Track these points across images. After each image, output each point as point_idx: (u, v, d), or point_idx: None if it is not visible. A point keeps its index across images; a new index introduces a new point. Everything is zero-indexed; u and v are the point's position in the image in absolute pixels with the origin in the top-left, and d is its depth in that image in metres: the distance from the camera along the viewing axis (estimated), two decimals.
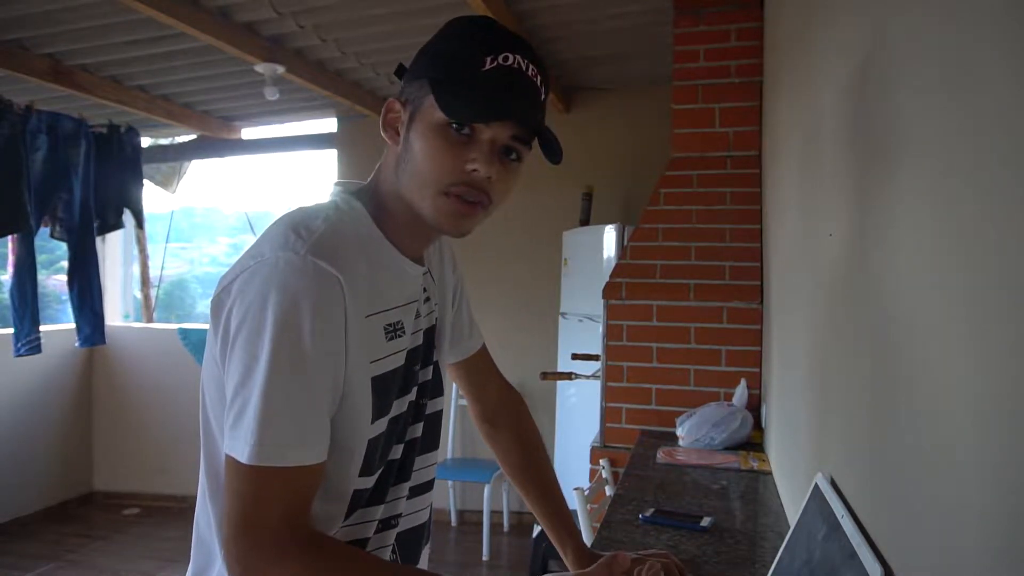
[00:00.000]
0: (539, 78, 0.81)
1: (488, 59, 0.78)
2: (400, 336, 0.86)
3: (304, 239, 0.76)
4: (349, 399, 0.79)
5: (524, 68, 0.79)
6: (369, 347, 0.81)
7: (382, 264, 0.84)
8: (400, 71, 0.88)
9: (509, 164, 0.82)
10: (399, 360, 0.86)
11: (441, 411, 1.01)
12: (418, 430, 0.94)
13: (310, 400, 0.74)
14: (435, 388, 0.98)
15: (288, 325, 0.72)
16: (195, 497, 0.89)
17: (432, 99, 0.79)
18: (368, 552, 0.85)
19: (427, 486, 0.99)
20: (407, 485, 0.93)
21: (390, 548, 0.91)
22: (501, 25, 0.83)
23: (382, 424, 0.85)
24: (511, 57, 0.79)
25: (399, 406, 0.88)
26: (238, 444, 0.72)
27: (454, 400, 4.03)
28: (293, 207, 0.84)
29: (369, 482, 0.85)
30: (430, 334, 0.95)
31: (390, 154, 0.87)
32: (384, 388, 0.84)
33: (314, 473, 0.75)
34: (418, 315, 0.91)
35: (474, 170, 0.79)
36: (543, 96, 0.83)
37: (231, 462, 0.73)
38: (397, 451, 0.90)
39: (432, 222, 0.83)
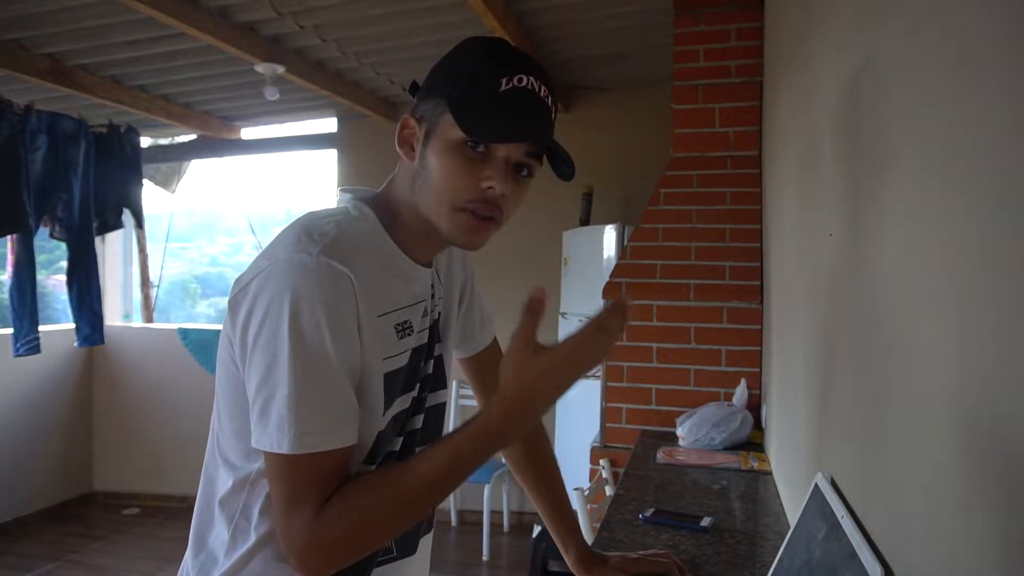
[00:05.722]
0: (550, 98, 0.85)
1: (504, 80, 0.82)
2: (409, 334, 0.89)
3: (316, 241, 0.79)
4: (362, 393, 0.83)
5: (537, 89, 0.83)
6: (382, 345, 0.85)
7: (391, 267, 0.88)
8: (414, 88, 0.91)
9: (521, 180, 0.86)
10: (406, 359, 0.89)
11: (443, 403, 1.03)
12: (418, 422, 0.96)
13: (333, 387, 0.78)
14: (436, 381, 0.99)
15: (304, 321, 0.76)
16: (195, 497, 0.93)
17: (449, 118, 0.82)
18: (385, 474, 0.84)
19: None
20: None
21: None
22: (514, 47, 0.88)
23: (388, 417, 0.88)
24: (525, 79, 0.83)
25: (402, 402, 0.91)
26: (272, 437, 0.76)
27: (454, 399, 4.02)
28: (304, 211, 0.87)
29: (369, 468, 0.88)
30: (433, 330, 0.97)
31: (404, 168, 0.90)
32: (392, 385, 0.87)
33: (346, 454, 0.80)
34: (425, 313, 0.94)
35: (490, 187, 0.83)
36: (553, 115, 0.87)
37: (268, 456, 0.78)
38: (396, 443, 0.92)
39: (448, 236, 0.86)
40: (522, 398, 0.76)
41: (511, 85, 0.82)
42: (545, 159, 0.87)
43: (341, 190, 0.92)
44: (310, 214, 0.86)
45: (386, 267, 0.86)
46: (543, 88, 0.84)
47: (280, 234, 0.83)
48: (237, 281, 0.82)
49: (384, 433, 0.87)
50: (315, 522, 0.76)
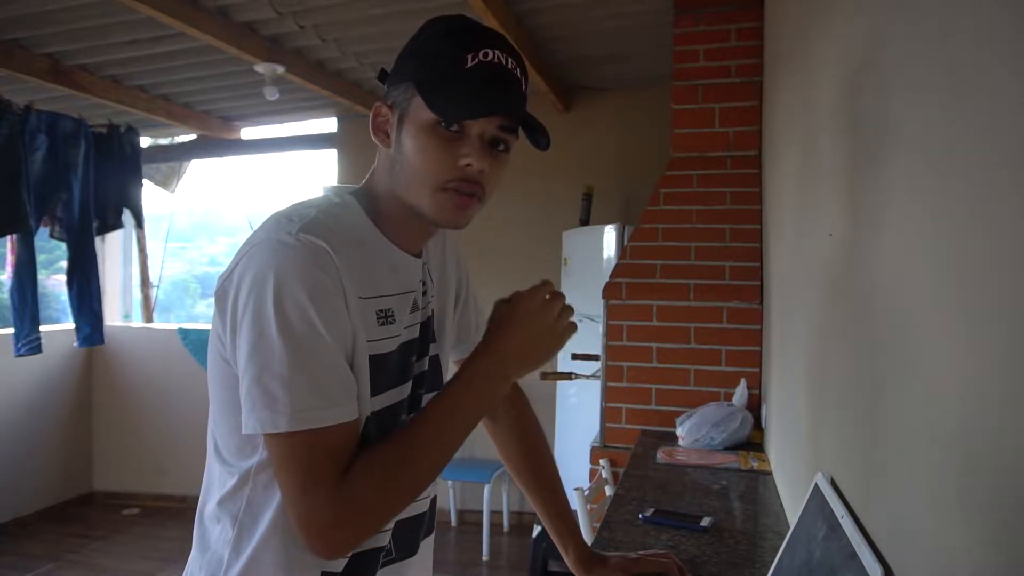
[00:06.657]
0: (518, 70, 0.85)
1: (469, 56, 0.82)
2: (391, 323, 0.88)
3: (296, 222, 0.79)
4: (353, 370, 0.82)
5: (504, 62, 0.83)
6: (364, 327, 0.84)
7: (375, 253, 0.87)
8: (383, 76, 0.91)
9: (499, 155, 0.86)
10: (391, 346, 0.88)
11: None
12: None
13: (327, 361, 0.77)
14: (433, 381, 0.98)
15: (289, 298, 0.75)
16: (195, 498, 0.92)
17: (419, 100, 0.82)
18: (392, 434, 0.85)
19: None
20: None
21: (388, 533, 0.91)
22: (476, 22, 0.87)
23: (377, 406, 0.86)
24: (490, 52, 0.83)
25: (396, 394, 0.89)
26: (262, 417, 0.75)
27: None
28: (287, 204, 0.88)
29: None
30: (426, 327, 0.96)
31: (382, 158, 0.90)
32: (378, 370, 0.86)
33: (351, 429, 0.79)
34: (415, 307, 0.93)
35: (467, 164, 0.83)
36: (524, 86, 0.87)
37: (269, 440, 0.77)
38: None
39: (432, 217, 0.86)
40: (500, 336, 0.86)
41: (477, 60, 0.82)
42: (522, 133, 0.87)
43: (322, 187, 0.92)
44: (291, 204, 0.86)
45: (369, 252, 0.86)
46: (510, 60, 0.84)
47: (260, 224, 0.83)
48: (221, 275, 0.82)
49: (379, 427, 0.86)
50: (337, 494, 0.75)
